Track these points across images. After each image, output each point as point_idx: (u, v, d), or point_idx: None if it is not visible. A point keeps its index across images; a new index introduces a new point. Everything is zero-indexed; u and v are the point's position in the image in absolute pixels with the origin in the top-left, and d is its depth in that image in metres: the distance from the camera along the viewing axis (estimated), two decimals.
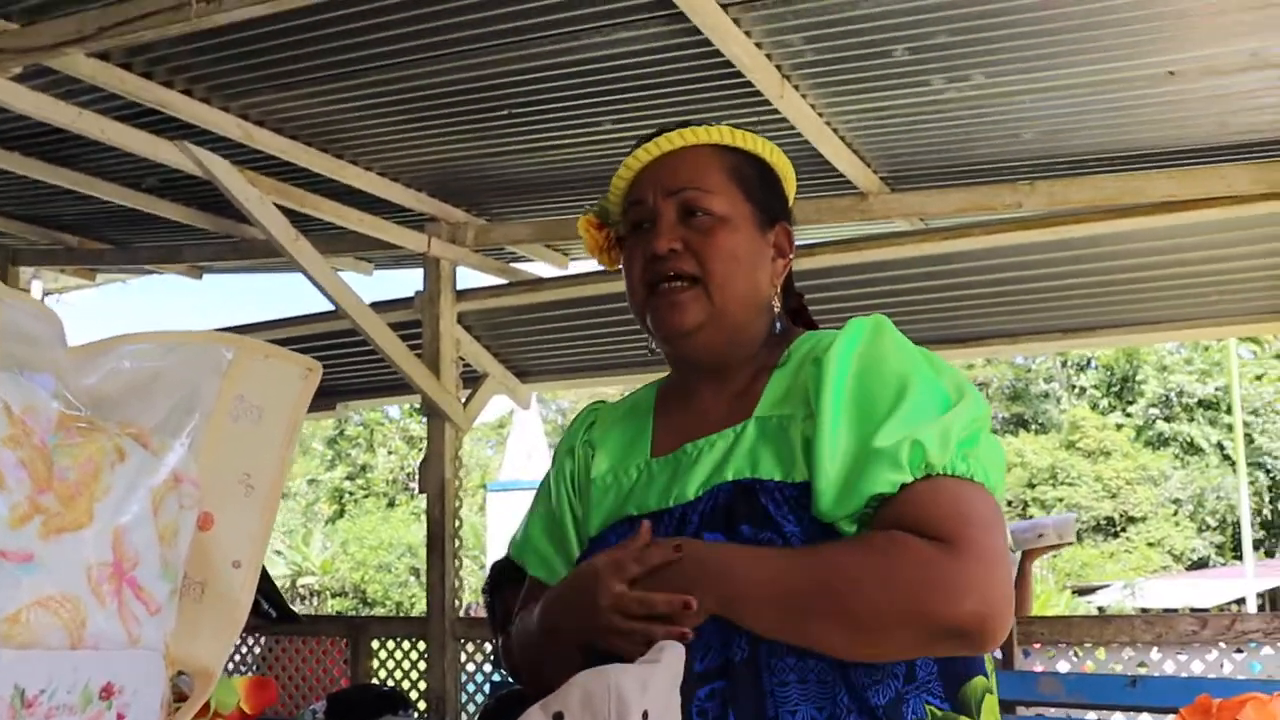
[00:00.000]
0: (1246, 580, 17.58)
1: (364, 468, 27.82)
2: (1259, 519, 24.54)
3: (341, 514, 27.27)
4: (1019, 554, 5.10)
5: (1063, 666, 4.92)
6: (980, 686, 1.31)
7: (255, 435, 1.10)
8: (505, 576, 2.85)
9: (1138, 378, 27.14)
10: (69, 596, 0.89)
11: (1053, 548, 5.16)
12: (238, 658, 6.57)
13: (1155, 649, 4.78)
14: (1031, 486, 25.27)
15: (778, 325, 1.48)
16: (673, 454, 1.44)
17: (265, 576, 7.25)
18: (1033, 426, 27.34)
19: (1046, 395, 27.94)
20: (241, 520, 1.09)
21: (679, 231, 1.44)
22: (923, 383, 1.31)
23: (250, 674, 6.07)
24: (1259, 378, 26.03)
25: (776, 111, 4.25)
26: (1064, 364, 27.81)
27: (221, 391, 1.08)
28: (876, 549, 1.24)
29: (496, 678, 5.97)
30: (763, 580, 1.26)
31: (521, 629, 1.51)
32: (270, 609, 6.64)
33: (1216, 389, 25.96)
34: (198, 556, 1.04)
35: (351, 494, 27.59)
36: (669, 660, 1.10)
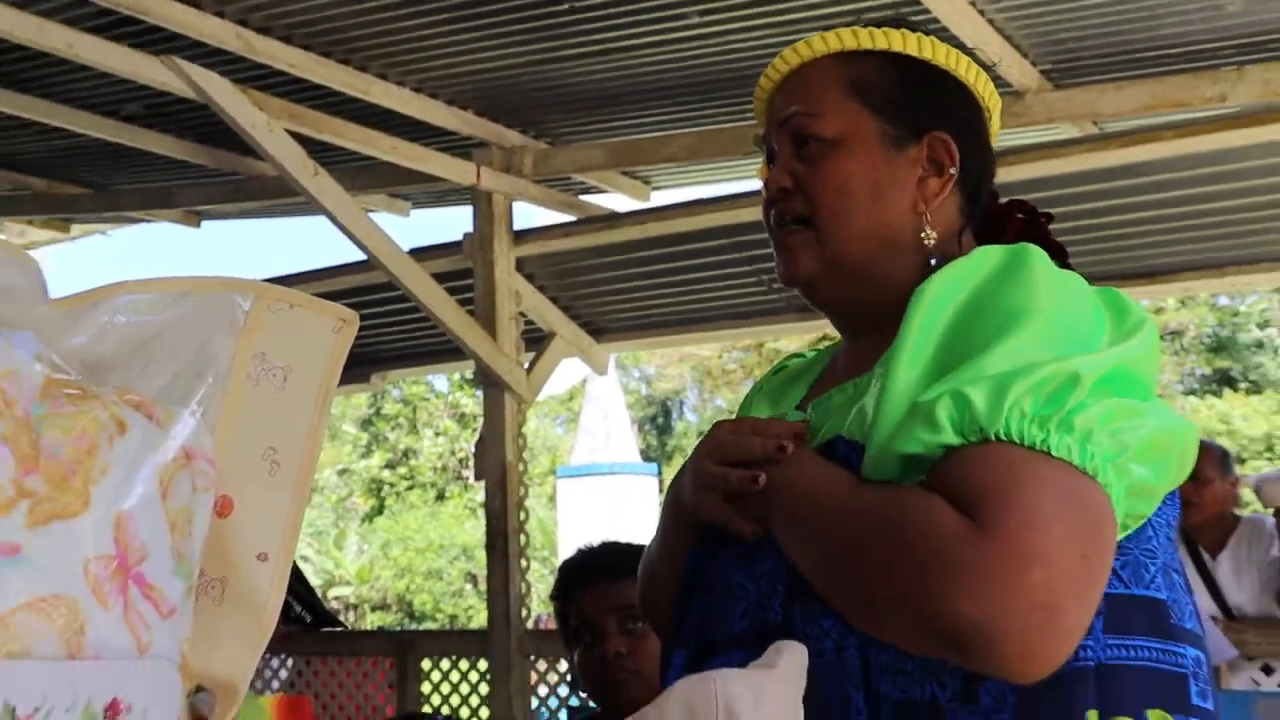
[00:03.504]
0: None
1: (406, 454, 28.07)
2: None
3: (380, 510, 27.55)
4: (1271, 511, 5.05)
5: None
6: None
7: (280, 402, 1.11)
8: (577, 578, 2.88)
9: None
10: (64, 597, 0.91)
11: None
12: (260, 683, 6.70)
13: None
14: (1241, 461, 24.86)
15: (933, 261, 1.45)
16: (810, 405, 1.50)
17: (297, 574, 7.34)
18: (1242, 385, 26.85)
19: (1260, 345, 27.39)
20: (267, 505, 1.10)
21: (792, 166, 1.49)
22: (1047, 323, 1.25)
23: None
24: None
25: None
26: None
27: (238, 350, 1.09)
28: (896, 503, 1.23)
29: (574, 701, 6.03)
30: (816, 508, 1.30)
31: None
32: (304, 612, 6.77)
33: None
34: (216, 549, 1.06)
35: (392, 486, 27.85)
36: (787, 665, 1.10)
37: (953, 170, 1.47)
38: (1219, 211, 5.80)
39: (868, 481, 1.29)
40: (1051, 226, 1.55)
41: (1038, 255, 1.32)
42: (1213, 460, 5.19)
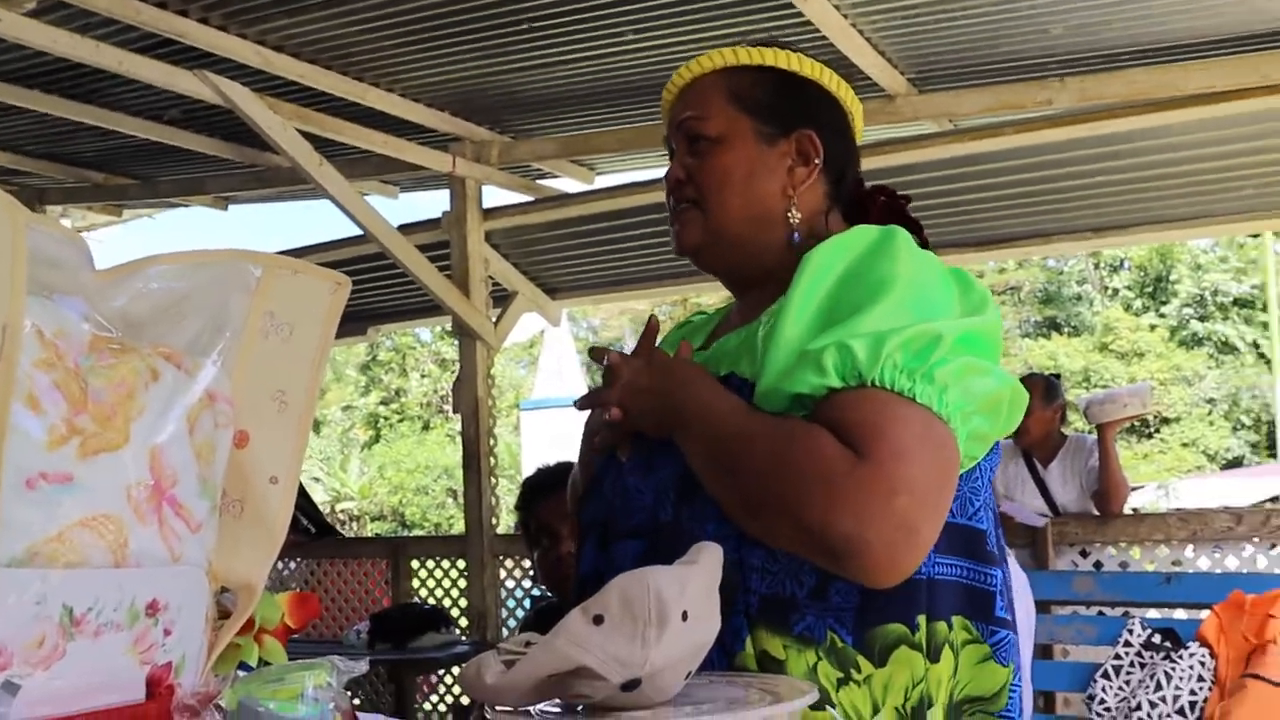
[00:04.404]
0: None
1: (398, 392, 27.97)
2: None
3: (377, 439, 27.46)
4: (1094, 427, 5.11)
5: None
6: (894, 634, 1.23)
7: (287, 352, 1.10)
8: (537, 492, 2.86)
9: (1171, 277, 26.89)
10: (110, 516, 0.90)
11: (1133, 418, 5.18)
12: (277, 583, 6.67)
13: (1190, 546, 4.79)
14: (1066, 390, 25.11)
15: (795, 236, 1.44)
16: (707, 350, 1.49)
17: (303, 494, 7.33)
18: (1065, 329, 27.18)
19: (1079, 297, 27.74)
20: (277, 437, 1.09)
21: (685, 161, 1.49)
22: (911, 291, 1.24)
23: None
24: None
25: (800, 14, 4.18)
26: (1097, 265, 27.57)
27: (251, 309, 1.08)
28: (786, 431, 1.22)
29: (536, 592, 6.05)
30: (711, 414, 1.28)
31: None
32: (309, 525, 6.74)
33: (1252, 287, 25.71)
34: (235, 474, 1.05)
35: (386, 419, 27.75)
36: (707, 561, 1.09)
37: (817, 161, 1.45)
38: (1047, 192, 5.84)
39: (760, 410, 1.27)
40: (915, 204, 1.54)
41: (903, 236, 1.31)
42: (1037, 393, 5.21)
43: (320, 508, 7.88)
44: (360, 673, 0.94)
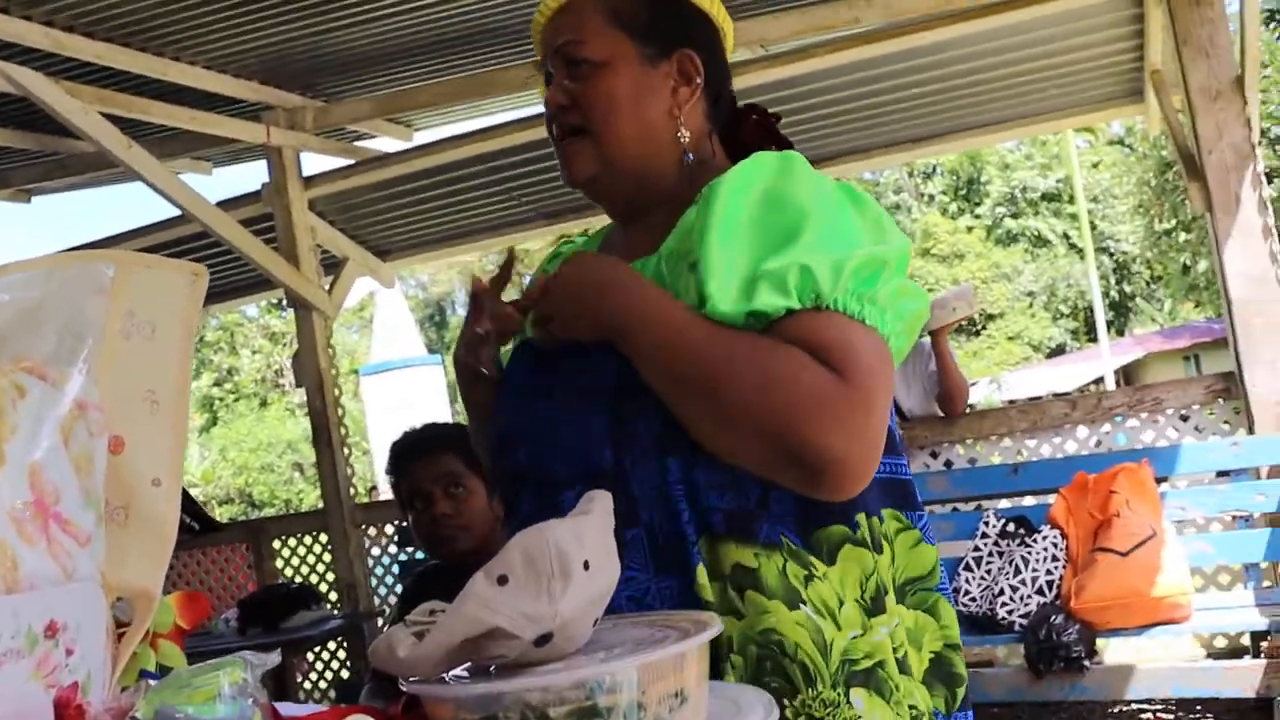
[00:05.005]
0: (1103, 360, 18.42)
1: (230, 371, 27.33)
2: (1108, 301, 25.59)
3: (215, 421, 26.82)
4: (928, 337, 5.26)
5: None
6: (838, 535, 1.29)
7: (151, 350, 1.07)
8: (406, 456, 2.84)
9: (982, 179, 27.81)
10: None
11: (961, 320, 5.34)
12: None
13: (1030, 436, 5.01)
14: None
15: (689, 156, 1.45)
16: None
17: (183, 492, 7.11)
18: None
19: (898, 206, 28.48)
20: (153, 438, 1.06)
21: (566, 86, 1.45)
22: (831, 215, 1.28)
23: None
24: (1095, 165, 26.86)
25: None
26: (910, 174, 28.30)
27: (109, 311, 1.04)
28: (771, 350, 1.23)
29: (403, 557, 6.02)
30: (669, 322, 1.28)
31: None
32: (193, 522, 6.56)
33: (1057, 181, 26.76)
34: (115, 481, 1.02)
35: (221, 400, 27.12)
36: (599, 509, 1.11)
37: (699, 80, 1.46)
38: (861, 109, 5.97)
39: (719, 323, 1.27)
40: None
41: (800, 160, 1.35)
42: None
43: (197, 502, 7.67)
44: (273, 665, 0.93)
